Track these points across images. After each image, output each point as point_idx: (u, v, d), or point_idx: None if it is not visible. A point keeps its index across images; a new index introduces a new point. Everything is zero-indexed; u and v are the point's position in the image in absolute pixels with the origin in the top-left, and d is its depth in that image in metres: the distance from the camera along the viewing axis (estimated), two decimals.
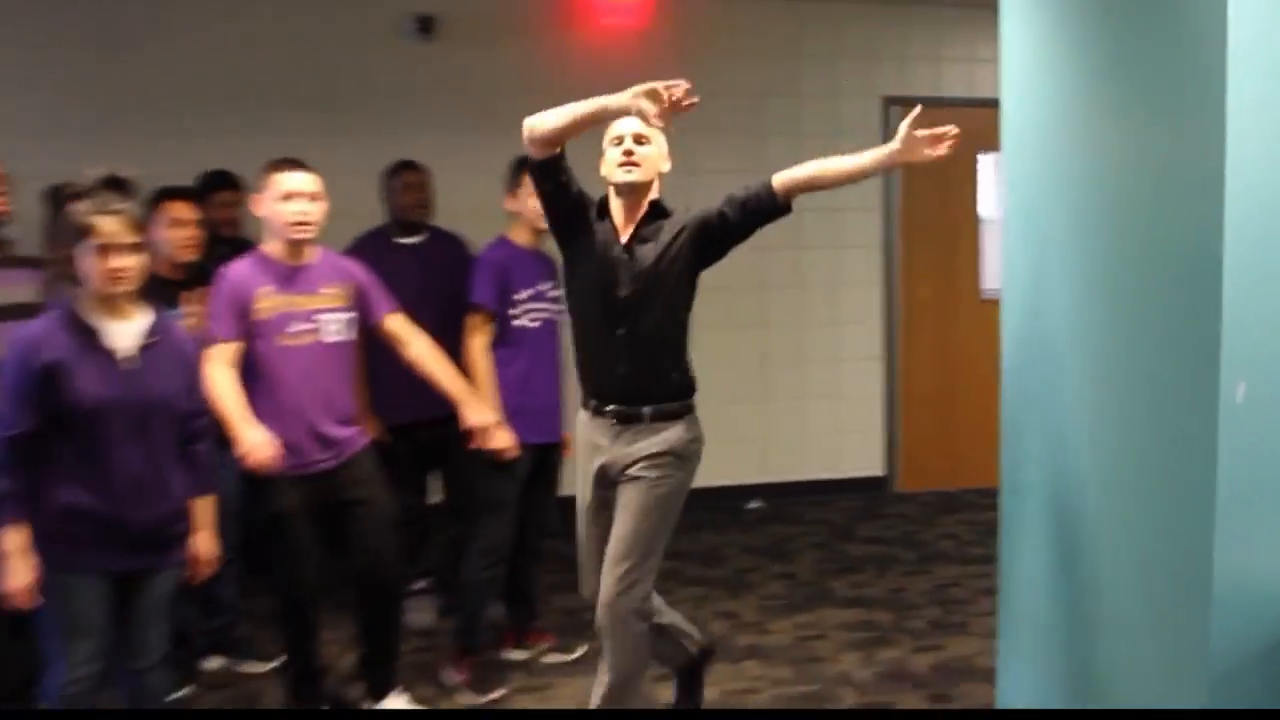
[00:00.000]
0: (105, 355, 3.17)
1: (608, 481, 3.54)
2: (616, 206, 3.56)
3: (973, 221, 7.33)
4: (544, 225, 3.71)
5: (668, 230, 3.52)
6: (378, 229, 4.86)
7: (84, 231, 3.12)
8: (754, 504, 7.07)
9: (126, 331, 3.22)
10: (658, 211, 3.55)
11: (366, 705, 4.07)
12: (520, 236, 4.38)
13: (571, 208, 3.52)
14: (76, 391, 3.12)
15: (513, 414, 4.22)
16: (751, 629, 5.01)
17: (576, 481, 3.66)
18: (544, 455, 4.45)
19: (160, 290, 3.66)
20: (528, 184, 3.97)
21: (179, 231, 4.21)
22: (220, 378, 3.63)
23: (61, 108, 5.99)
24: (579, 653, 4.68)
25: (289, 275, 3.79)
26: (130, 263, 3.17)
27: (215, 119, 6.12)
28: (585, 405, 3.61)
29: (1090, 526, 3.18)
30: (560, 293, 4.19)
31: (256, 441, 3.57)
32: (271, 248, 3.84)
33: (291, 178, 3.77)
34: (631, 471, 3.48)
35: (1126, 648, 3.03)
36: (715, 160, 6.81)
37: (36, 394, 3.11)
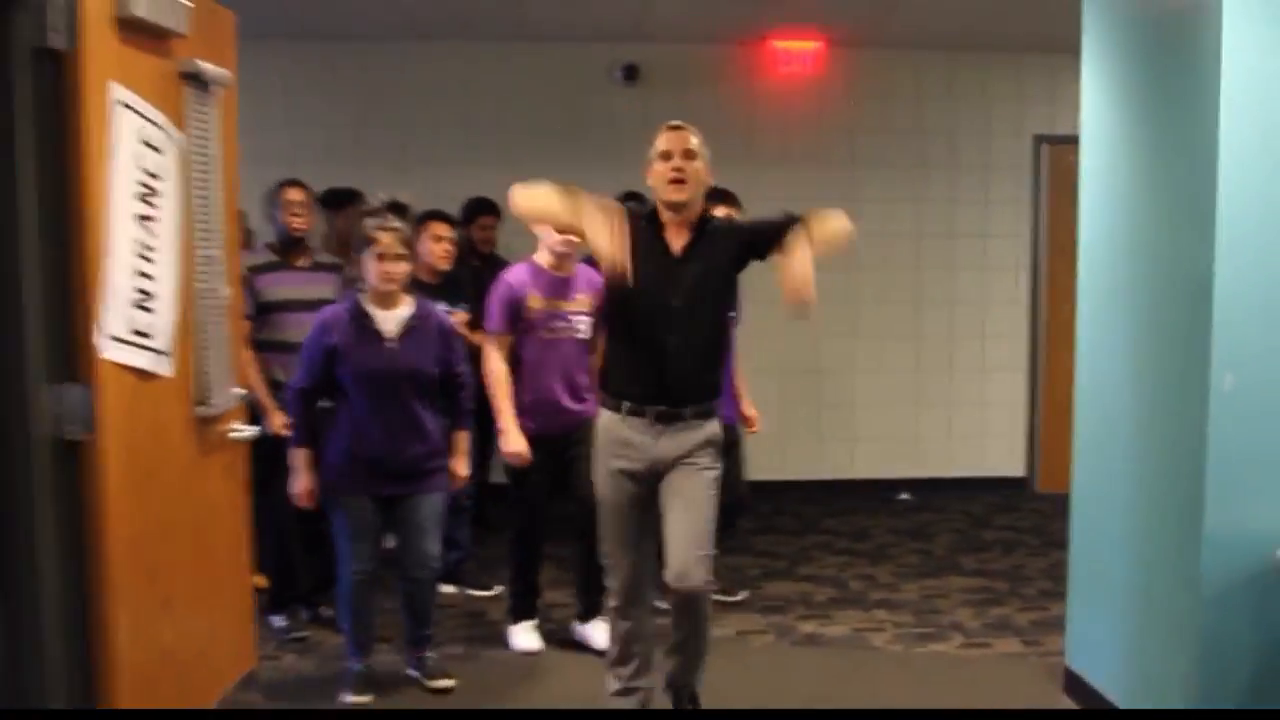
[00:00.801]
0: (375, 336, 4.25)
1: (646, 476, 3.73)
2: (668, 219, 3.71)
3: None
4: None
5: (715, 241, 3.70)
6: None
7: (368, 242, 4.22)
8: (904, 495, 7.91)
9: (393, 319, 4.29)
10: (707, 223, 3.74)
11: (575, 623, 5.04)
12: None
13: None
14: (351, 365, 4.22)
15: None
16: (885, 588, 5.90)
17: (596, 475, 3.84)
18: (730, 429, 5.10)
19: (420, 291, 4.77)
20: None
21: (438, 246, 5.34)
22: (496, 371, 4.62)
23: (339, 141, 7.33)
24: (740, 596, 5.64)
25: (554, 283, 4.74)
26: (399, 269, 4.25)
27: (464, 152, 7.39)
28: (613, 407, 3.76)
29: (1121, 490, 4.03)
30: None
31: (518, 448, 4.60)
32: (542, 259, 4.78)
33: None
34: (684, 462, 3.70)
35: (1145, 578, 3.88)
36: (879, 190, 7.75)
37: (320, 364, 4.24)
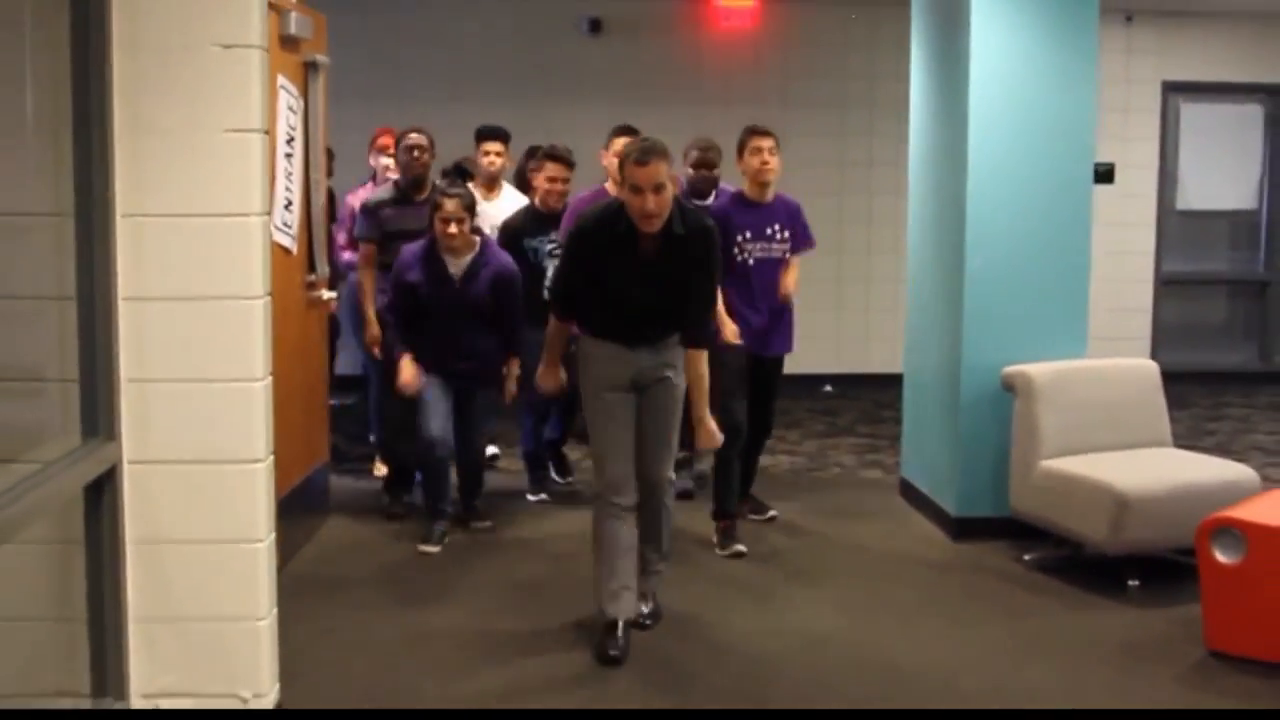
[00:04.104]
0: (444, 278, 5.86)
1: (628, 387, 4.78)
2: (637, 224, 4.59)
3: None
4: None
5: (681, 249, 4.63)
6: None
7: (435, 206, 5.80)
8: (827, 388, 10.46)
9: (459, 264, 5.86)
10: (673, 233, 4.60)
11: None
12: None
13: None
14: (422, 297, 6.08)
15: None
16: (791, 443, 8.50)
17: (588, 391, 4.87)
18: (759, 362, 6.17)
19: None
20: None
21: (553, 186, 6.65)
22: None
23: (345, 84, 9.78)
24: (771, 514, 6.71)
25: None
26: (460, 230, 5.72)
27: (451, 90, 9.85)
28: (601, 337, 4.79)
29: (925, 345, 6.62)
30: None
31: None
32: (612, 186, 6.22)
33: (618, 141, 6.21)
34: (655, 380, 4.78)
35: (934, 398, 6.48)
36: (807, 125, 10.25)
37: (404, 298, 6.08)
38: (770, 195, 6.14)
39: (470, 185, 6.75)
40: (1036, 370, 5.83)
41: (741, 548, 6.00)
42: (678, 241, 4.61)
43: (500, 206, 7.08)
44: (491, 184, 7.26)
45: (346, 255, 7.21)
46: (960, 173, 6.07)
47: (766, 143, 5.99)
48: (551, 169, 6.65)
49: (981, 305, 6.06)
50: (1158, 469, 5.61)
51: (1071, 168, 6.11)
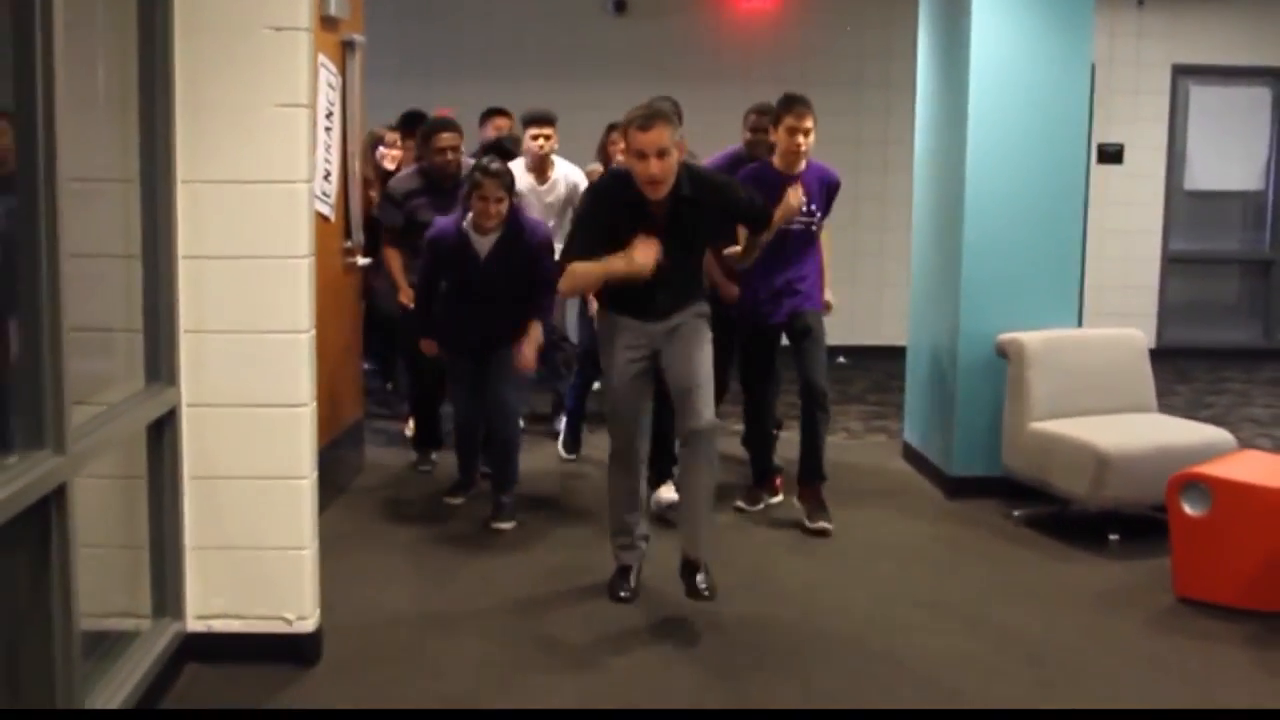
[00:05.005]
0: (472, 256, 5.77)
1: (648, 354, 4.86)
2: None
3: None
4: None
5: (692, 204, 4.68)
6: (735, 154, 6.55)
7: (475, 184, 5.67)
8: (840, 359, 10.82)
9: (487, 242, 5.74)
10: (681, 192, 4.64)
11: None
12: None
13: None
14: (449, 276, 5.91)
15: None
16: None
17: (607, 358, 4.95)
18: (789, 329, 6.11)
19: None
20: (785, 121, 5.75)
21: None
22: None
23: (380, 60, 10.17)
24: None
25: None
26: (498, 209, 5.64)
27: (482, 70, 10.24)
28: (617, 310, 4.88)
29: (924, 314, 6.98)
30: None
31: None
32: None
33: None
34: (677, 322, 4.83)
35: (933, 364, 6.85)
36: (824, 103, 10.44)
37: (433, 278, 5.94)
38: (800, 167, 5.86)
39: (511, 165, 6.56)
40: (1029, 338, 6.20)
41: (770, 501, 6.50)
42: (687, 203, 4.67)
43: (556, 191, 7.22)
44: (542, 167, 7.24)
45: None
46: (960, 150, 6.43)
47: (806, 123, 5.75)
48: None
49: (978, 276, 6.42)
50: (1139, 431, 5.98)
51: (1067, 146, 6.46)
